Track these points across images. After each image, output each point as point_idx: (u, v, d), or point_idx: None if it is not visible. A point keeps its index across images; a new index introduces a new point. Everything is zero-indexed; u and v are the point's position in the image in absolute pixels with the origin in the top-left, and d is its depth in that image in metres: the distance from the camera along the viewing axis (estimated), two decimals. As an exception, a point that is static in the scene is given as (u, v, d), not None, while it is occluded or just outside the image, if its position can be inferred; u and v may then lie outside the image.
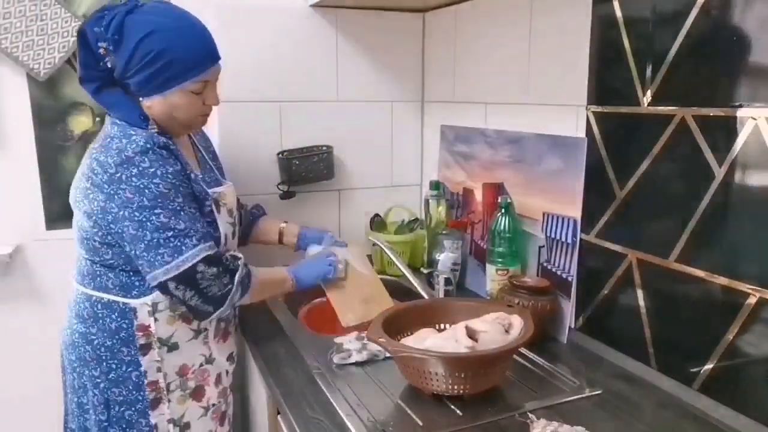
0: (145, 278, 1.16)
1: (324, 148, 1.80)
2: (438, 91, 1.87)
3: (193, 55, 1.17)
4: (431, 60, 1.89)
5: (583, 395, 1.10)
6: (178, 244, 1.12)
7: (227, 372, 1.37)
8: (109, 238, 1.17)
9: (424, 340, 1.11)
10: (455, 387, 1.05)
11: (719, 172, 0.99)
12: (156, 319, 1.22)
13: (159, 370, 1.23)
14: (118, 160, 1.12)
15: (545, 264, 1.39)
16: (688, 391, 1.07)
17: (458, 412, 1.05)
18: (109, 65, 1.17)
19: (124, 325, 1.21)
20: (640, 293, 1.16)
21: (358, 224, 1.89)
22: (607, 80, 1.22)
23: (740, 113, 0.95)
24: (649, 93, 1.11)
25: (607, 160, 1.22)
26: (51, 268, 1.72)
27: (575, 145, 1.28)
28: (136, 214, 1.11)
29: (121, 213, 1.12)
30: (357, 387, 1.14)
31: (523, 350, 1.25)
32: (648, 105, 1.11)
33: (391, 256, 1.61)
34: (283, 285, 1.37)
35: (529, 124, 1.43)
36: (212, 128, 1.59)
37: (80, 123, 1.68)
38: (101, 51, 1.15)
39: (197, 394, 1.29)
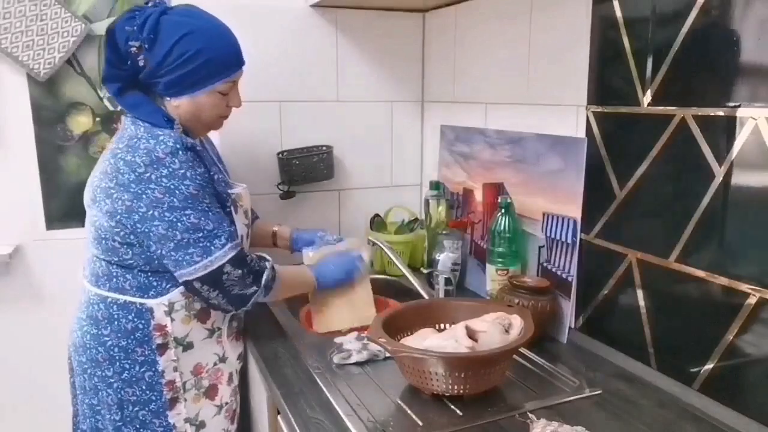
0: (163, 277, 1.20)
1: (324, 148, 1.80)
2: (438, 91, 1.87)
3: (225, 56, 1.22)
4: (431, 60, 1.89)
5: (583, 395, 1.10)
6: (207, 244, 1.15)
7: (236, 371, 1.38)
8: (132, 237, 1.17)
9: (424, 340, 1.11)
10: (455, 387, 1.05)
11: (719, 172, 0.99)
12: (172, 319, 1.23)
13: (175, 369, 1.25)
14: (147, 160, 1.14)
15: (545, 264, 1.39)
16: (688, 391, 1.07)
17: (458, 412, 1.05)
18: (141, 63, 1.18)
19: (141, 326, 1.22)
20: (640, 293, 1.16)
21: (358, 224, 1.89)
22: (607, 80, 1.22)
23: (740, 113, 0.95)
24: (649, 93, 1.11)
25: (607, 160, 1.22)
26: (51, 268, 1.72)
27: (575, 145, 1.28)
28: (167, 214, 1.13)
29: (150, 213, 1.13)
30: (357, 387, 1.14)
31: (523, 350, 1.25)
32: (648, 105, 1.11)
33: (391, 256, 1.61)
34: (305, 286, 1.40)
35: (529, 124, 1.43)
36: (212, 128, 1.59)
37: (80, 123, 1.68)
38: (133, 50, 1.16)
39: (211, 392, 1.31)
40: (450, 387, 1.05)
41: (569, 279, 1.31)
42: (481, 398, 1.07)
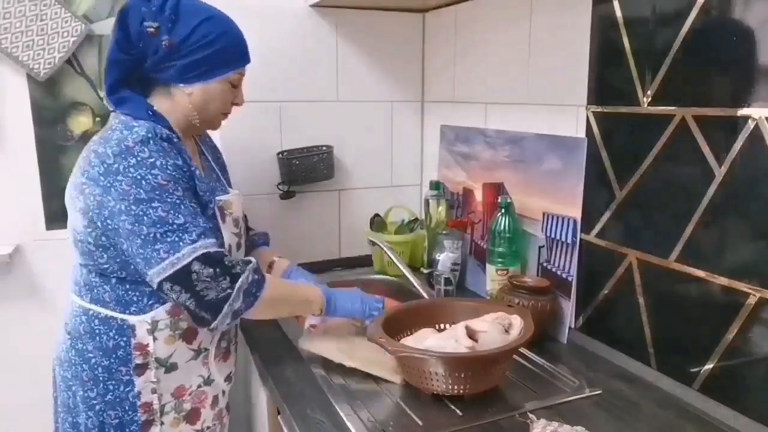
0: (144, 292, 1.13)
1: (324, 148, 1.80)
2: (438, 91, 1.87)
3: (241, 46, 1.21)
4: (431, 60, 1.89)
5: (583, 395, 1.10)
6: (176, 239, 1.04)
7: (224, 392, 1.31)
8: (104, 239, 1.10)
9: (424, 340, 1.11)
10: (455, 387, 1.05)
11: (719, 172, 0.99)
12: (155, 338, 1.14)
13: (154, 391, 1.16)
14: (117, 150, 1.06)
15: (545, 264, 1.39)
16: (688, 391, 1.07)
17: (458, 412, 1.05)
18: (155, 46, 1.12)
19: (122, 343, 1.14)
20: (640, 293, 1.16)
21: (358, 224, 1.89)
22: (607, 80, 1.21)
23: (740, 113, 0.95)
24: (649, 93, 1.11)
25: (607, 160, 1.22)
26: (51, 268, 1.72)
27: (575, 145, 1.28)
28: (133, 207, 1.04)
29: (118, 207, 1.05)
30: (357, 387, 1.14)
31: (523, 350, 1.25)
32: (648, 105, 1.11)
33: (391, 256, 1.61)
34: (306, 305, 1.25)
35: (529, 124, 1.43)
36: (212, 128, 1.59)
37: (80, 123, 1.68)
38: (150, 30, 1.11)
39: (192, 417, 1.23)
40: (450, 387, 1.05)
41: (569, 279, 1.31)
42: (481, 398, 1.07)
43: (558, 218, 1.34)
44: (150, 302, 1.14)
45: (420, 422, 1.02)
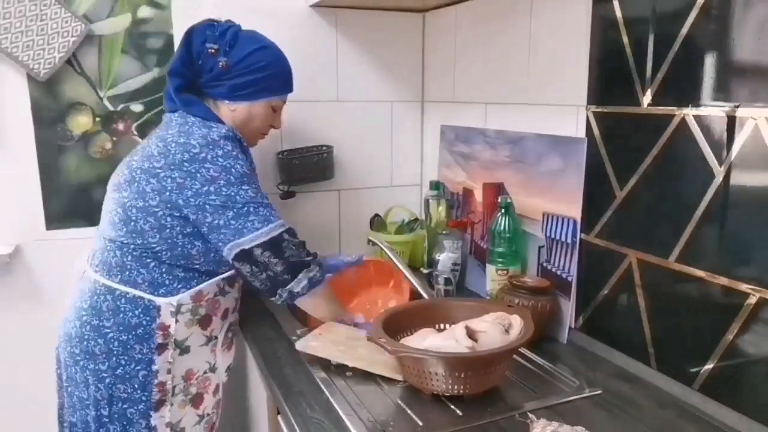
0: (176, 277, 1.24)
1: (324, 148, 1.80)
2: (438, 91, 1.87)
3: (287, 75, 1.40)
4: (431, 60, 1.89)
5: (583, 395, 1.10)
6: (267, 213, 1.21)
7: (222, 384, 1.40)
8: (169, 218, 1.20)
9: (424, 340, 1.11)
10: (455, 387, 1.05)
11: (719, 172, 0.99)
12: (177, 321, 1.25)
13: (169, 371, 1.26)
14: (203, 141, 1.20)
15: (545, 264, 1.39)
16: (688, 391, 1.07)
17: (458, 412, 1.05)
18: (212, 66, 1.29)
19: (144, 322, 1.23)
20: (640, 293, 1.16)
21: (358, 224, 1.89)
22: (607, 80, 1.22)
23: (740, 113, 0.95)
24: (649, 93, 1.11)
25: (607, 160, 1.22)
26: (51, 268, 1.71)
27: (575, 145, 1.28)
28: (224, 189, 1.18)
29: (206, 188, 1.18)
30: (357, 387, 1.14)
31: (523, 350, 1.26)
32: (648, 105, 1.11)
33: (391, 256, 1.61)
34: (332, 308, 1.36)
35: (529, 124, 1.43)
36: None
37: (80, 123, 1.68)
38: (211, 50, 1.28)
39: (196, 401, 1.32)
40: (450, 387, 1.05)
41: (569, 279, 1.31)
42: (481, 398, 1.07)
43: (558, 218, 1.34)
44: (178, 286, 1.25)
45: (420, 422, 1.02)
